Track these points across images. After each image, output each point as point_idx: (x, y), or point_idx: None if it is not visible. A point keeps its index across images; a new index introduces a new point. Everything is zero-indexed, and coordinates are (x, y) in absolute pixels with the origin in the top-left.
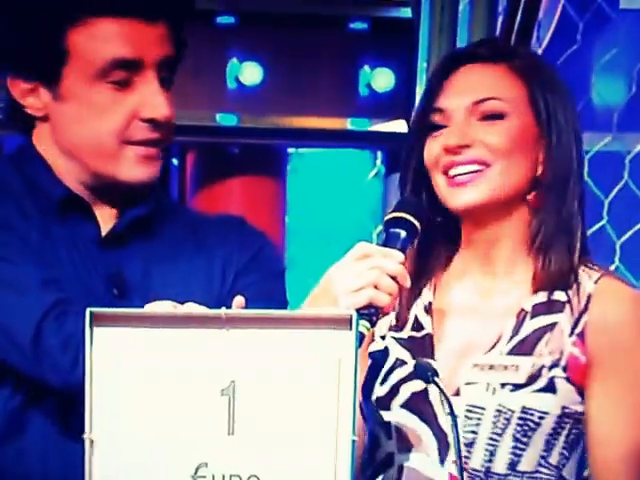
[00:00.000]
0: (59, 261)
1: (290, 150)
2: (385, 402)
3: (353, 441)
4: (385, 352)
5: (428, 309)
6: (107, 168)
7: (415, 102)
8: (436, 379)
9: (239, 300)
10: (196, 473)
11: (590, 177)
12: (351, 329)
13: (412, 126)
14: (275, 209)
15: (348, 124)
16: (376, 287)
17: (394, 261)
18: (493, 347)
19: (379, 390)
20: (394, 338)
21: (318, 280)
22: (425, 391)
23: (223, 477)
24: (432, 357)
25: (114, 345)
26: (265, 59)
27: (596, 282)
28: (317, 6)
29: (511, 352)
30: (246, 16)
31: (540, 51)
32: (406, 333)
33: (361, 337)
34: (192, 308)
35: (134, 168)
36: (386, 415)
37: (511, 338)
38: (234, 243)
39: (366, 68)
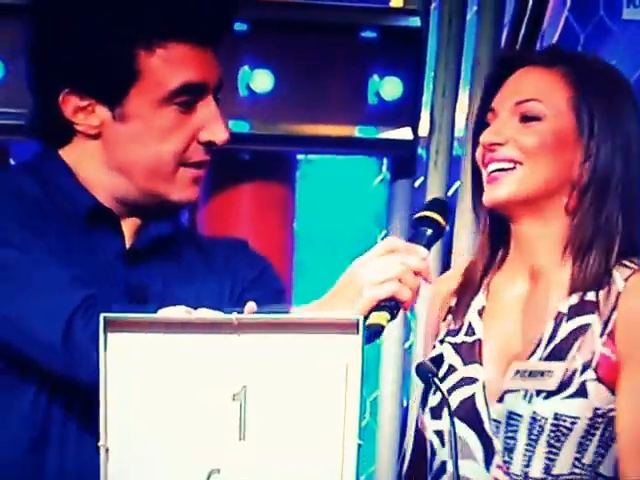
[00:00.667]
0: (80, 268)
1: (300, 157)
2: (438, 411)
3: (359, 445)
4: (441, 358)
5: (481, 313)
6: (160, 188)
7: (422, 111)
8: (435, 380)
9: (251, 306)
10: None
11: None
12: (358, 333)
13: (474, 122)
14: (284, 214)
15: (356, 131)
16: (400, 281)
17: (418, 257)
18: (534, 352)
19: (432, 399)
20: (450, 343)
21: (325, 284)
22: (472, 397)
23: None
24: (480, 362)
25: (127, 351)
26: (276, 67)
27: (626, 279)
28: (328, 15)
29: (548, 357)
30: (257, 24)
31: None
32: (460, 338)
33: (380, 330)
34: (204, 313)
35: (186, 189)
36: (439, 424)
37: (549, 342)
38: (241, 261)
39: (375, 77)
